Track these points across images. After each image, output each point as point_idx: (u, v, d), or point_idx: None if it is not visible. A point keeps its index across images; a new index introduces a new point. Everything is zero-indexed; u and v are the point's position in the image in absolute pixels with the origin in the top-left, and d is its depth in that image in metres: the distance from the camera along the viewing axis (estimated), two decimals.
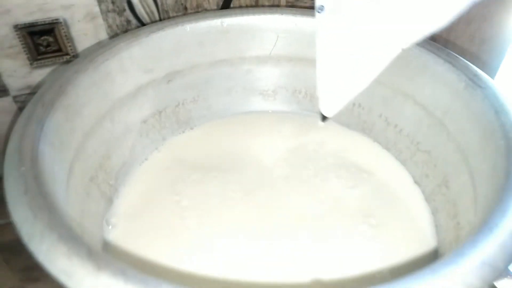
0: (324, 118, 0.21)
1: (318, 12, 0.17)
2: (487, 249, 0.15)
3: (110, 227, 0.27)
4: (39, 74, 0.34)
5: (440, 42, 0.28)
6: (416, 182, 0.30)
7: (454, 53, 0.27)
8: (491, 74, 0.37)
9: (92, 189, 0.27)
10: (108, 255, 0.15)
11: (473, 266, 0.14)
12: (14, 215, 0.16)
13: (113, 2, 0.32)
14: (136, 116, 0.31)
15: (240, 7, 0.36)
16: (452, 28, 0.42)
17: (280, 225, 0.28)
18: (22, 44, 0.32)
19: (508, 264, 0.15)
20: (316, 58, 0.19)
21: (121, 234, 0.27)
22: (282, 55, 0.35)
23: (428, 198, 0.29)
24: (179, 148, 0.34)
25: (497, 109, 0.22)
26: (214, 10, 0.35)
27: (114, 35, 0.34)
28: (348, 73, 0.19)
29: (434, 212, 0.28)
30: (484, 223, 0.16)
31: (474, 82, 0.24)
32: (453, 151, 0.26)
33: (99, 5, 0.32)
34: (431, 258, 0.25)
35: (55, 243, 0.15)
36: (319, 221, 0.28)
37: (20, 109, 0.35)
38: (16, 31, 0.31)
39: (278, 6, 0.37)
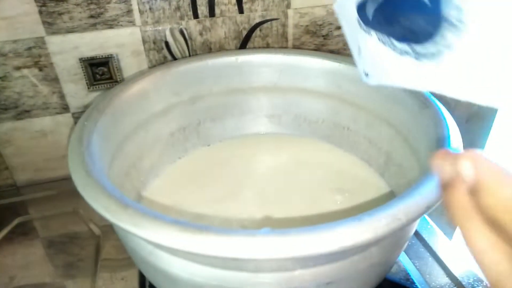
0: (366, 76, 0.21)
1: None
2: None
3: None
4: (93, 96, 0.43)
5: None
6: (391, 189, 0.36)
7: None
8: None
9: (126, 183, 0.35)
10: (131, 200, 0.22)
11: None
12: (74, 175, 0.24)
13: (154, 43, 0.42)
14: (165, 129, 0.39)
15: (254, 47, 0.45)
16: None
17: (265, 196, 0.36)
18: (83, 72, 0.41)
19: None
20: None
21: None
22: (284, 86, 0.42)
23: None
24: (198, 158, 0.42)
25: (435, 121, 0.28)
26: (232, 49, 0.44)
27: (152, 67, 0.43)
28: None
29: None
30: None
31: (425, 103, 0.30)
32: (415, 161, 0.32)
33: (143, 44, 0.42)
34: None
35: (100, 191, 0.22)
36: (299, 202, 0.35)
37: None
38: (80, 62, 0.41)
39: (286, 47, 0.46)
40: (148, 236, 0.20)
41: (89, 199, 0.22)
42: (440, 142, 0.26)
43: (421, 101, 0.31)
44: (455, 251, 0.36)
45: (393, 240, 0.24)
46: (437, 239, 0.37)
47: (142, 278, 0.35)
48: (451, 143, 0.25)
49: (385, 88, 0.35)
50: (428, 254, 0.36)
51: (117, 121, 0.32)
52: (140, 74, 0.36)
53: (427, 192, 0.21)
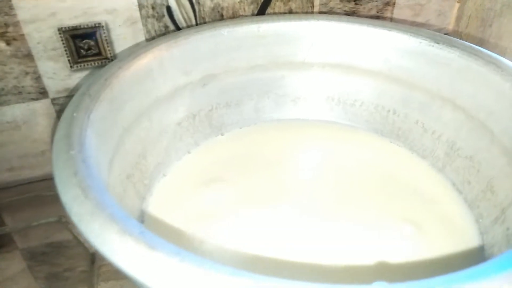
0: None
1: None
2: None
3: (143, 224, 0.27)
4: (78, 77, 0.34)
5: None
6: (457, 189, 0.29)
7: (496, 54, 0.26)
8: None
9: (129, 187, 0.27)
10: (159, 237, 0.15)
11: None
12: (64, 196, 0.16)
13: (153, 8, 0.33)
14: (171, 118, 0.31)
15: (275, 13, 0.37)
16: (483, 42, 0.42)
17: (307, 219, 0.28)
18: (64, 47, 0.33)
19: None
20: None
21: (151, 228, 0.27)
22: (315, 62, 0.35)
23: (471, 205, 0.28)
24: (211, 152, 0.34)
25: None
26: (251, 16, 0.36)
27: (151, 40, 0.35)
28: None
29: (478, 218, 0.26)
30: None
31: None
32: (498, 154, 0.25)
33: (140, 10, 0.33)
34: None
35: (106, 221, 0.15)
36: (354, 223, 0.27)
37: (58, 112, 0.35)
38: (60, 34, 0.32)
39: (312, 13, 0.38)
40: None
41: (94, 240, 0.14)
42: None
43: None
44: None
45: None
46: None
47: None
48: None
49: (455, 61, 0.28)
50: None
51: (116, 109, 0.24)
52: (140, 48, 0.28)
53: None
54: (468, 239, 0.26)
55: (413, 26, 0.32)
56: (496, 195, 0.25)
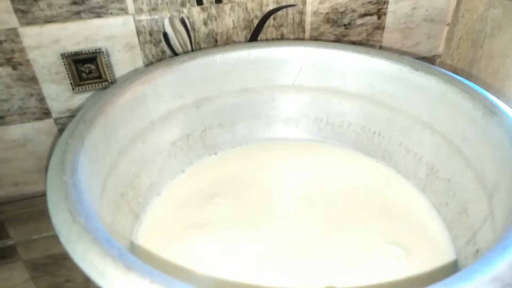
0: None
1: None
2: (498, 267, 0.15)
3: (137, 240, 0.28)
4: (79, 99, 0.36)
5: (463, 76, 0.29)
6: (436, 210, 0.30)
7: (471, 83, 0.27)
8: None
9: (122, 205, 0.28)
10: (137, 258, 0.16)
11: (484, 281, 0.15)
12: (54, 218, 0.18)
13: (150, 34, 0.35)
14: (166, 139, 0.33)
15: (267, 39, 0.39)
16: (474, 62, 0.43)
17: (298, 243, 0.29)
18: (67, 70, 0.35)
19: None
20: None
21: (144, 249, 0.28)
22: (304, 85, 0.36)
23: (448, 226, 0.29)
24: (204, 171, 0.36)
25: (511, 135, 0.22)
26: (242, 42, 0.38)
27: (149, 64, 0.37)
28: None
29: (454, 239, 0.28)
30: (498, 243, 0.17)
31: (491, 110, 0.25)
32: (471, 178, 0.26)
33: (138, 36, 0.35)
34: None
35: (90, 243, 0.16)
36: (340, 244, 0.29)
37: (60, 131, 0.37)
38: (62, 59, 0.34)
39: (302, 39, 0.40)
40: None
41: (78, 259, 0.16)
42: None
43: (486, 106, 0.25)
44: None
45: None
46: None
47: None
48: None
49: (432, 88, 0.29)
50: None
51: (110, 134, 0.26)
52: (135, 74, 0.30)
53: None
54: (447, 259, 0.27)
55: (396, 54, 0.33)
56: (470, 218, 0.26)
